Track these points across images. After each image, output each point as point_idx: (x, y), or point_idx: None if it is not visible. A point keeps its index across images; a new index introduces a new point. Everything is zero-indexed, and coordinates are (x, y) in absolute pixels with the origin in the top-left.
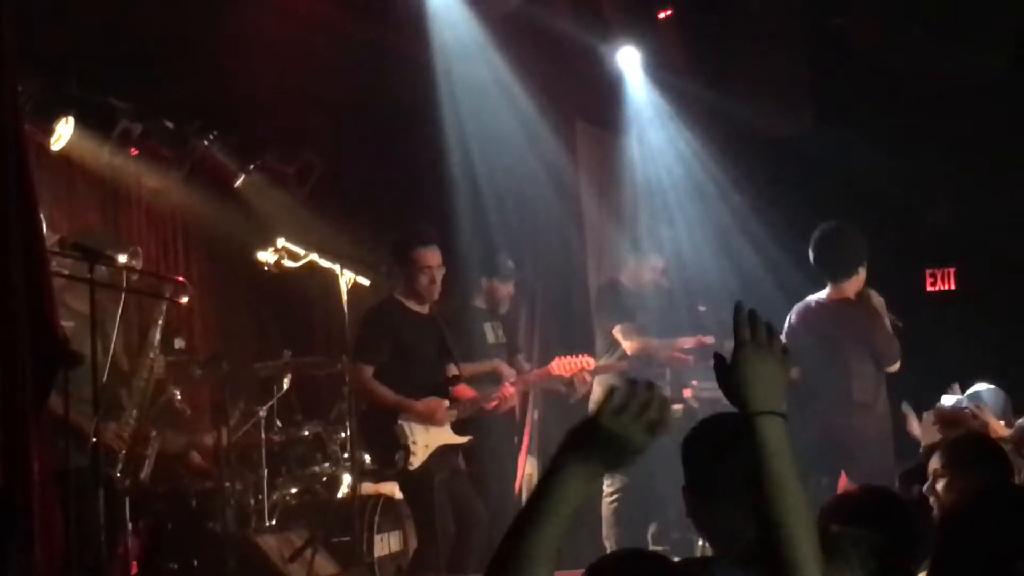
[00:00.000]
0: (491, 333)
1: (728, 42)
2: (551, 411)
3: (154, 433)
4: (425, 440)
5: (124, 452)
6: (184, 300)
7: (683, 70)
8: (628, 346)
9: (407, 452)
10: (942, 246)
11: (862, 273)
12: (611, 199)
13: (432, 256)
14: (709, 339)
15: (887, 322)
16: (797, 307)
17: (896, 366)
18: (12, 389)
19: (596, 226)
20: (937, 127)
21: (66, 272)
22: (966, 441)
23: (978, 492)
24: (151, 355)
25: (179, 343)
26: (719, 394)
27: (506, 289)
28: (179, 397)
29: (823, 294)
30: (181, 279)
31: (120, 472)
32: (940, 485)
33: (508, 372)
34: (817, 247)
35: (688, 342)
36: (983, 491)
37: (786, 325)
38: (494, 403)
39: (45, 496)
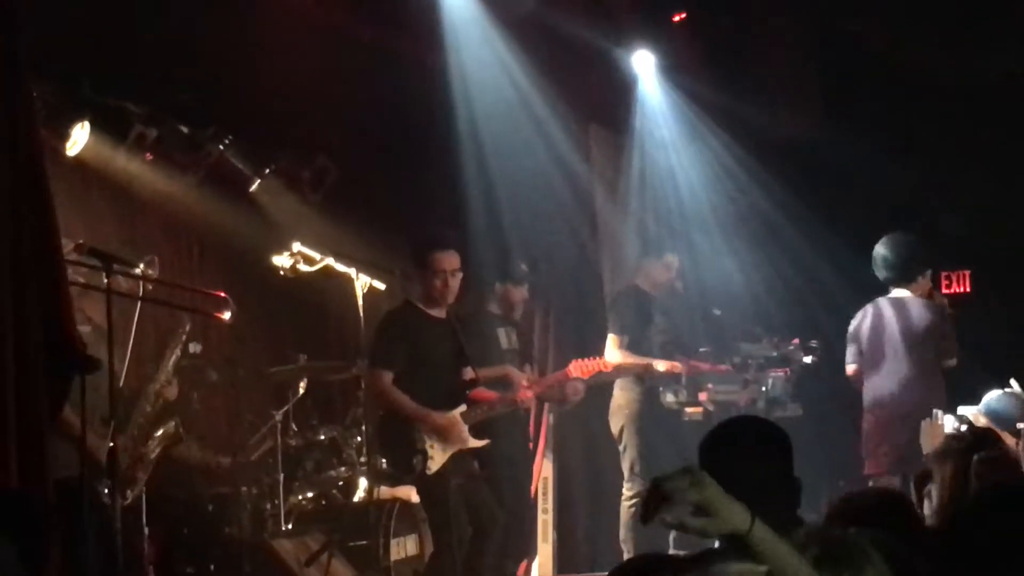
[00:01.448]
0: (505, 338)
1: (741, 45)
2: (567, 415)
3: (152, 456)
4: (443, 444)
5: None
6: (227, 316)
7: (697, 73)
8: (610, 359)
9: (425, 456)
10: (957, 249)
11: (924, 278)
12: (625, 202)
13: (448, 260)
14: (704, 365)
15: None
16: (868, 305)
17: (954, 361)
18: (28, 397)
19: (610, 229)
20: (950, 129)
21: (82, 280)
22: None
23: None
24: (163, 378)
25: (194, 347)
26: (735, 397)
27: (520, 294)
28: (181, 430)
29: (893, 294)
30: (223, 294)
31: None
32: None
33: (517, 377)
34: (881, 257)
35: (660, 366)
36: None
37: (857, 321)
38: (512, 406)
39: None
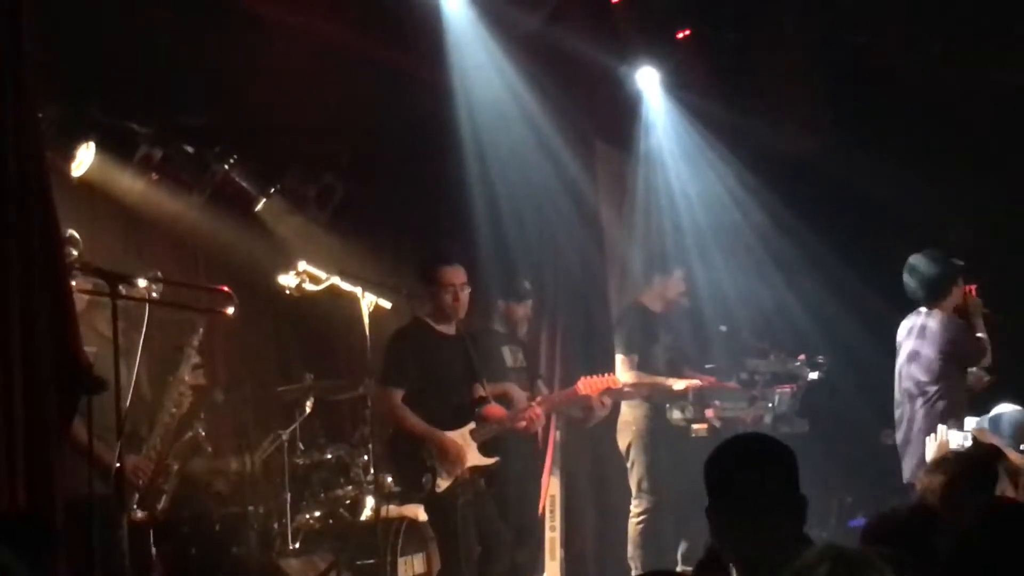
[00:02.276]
0: (510, 356)
1: (746, 61)
2: (574, 432)
3: (175, 467)
4: (451, 464)
5: (142, 483)
6: (230, 310)
7: (702, 89)
8: (623, 379)
9: (433, 474)
10: (964, 261)
11: (955, 293)
12: (631, 219)
13: (456, 274)
14: (709, 380)
15: (973, 329)
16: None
17: (979, 365)
18: (35, 416)
19: (616, 246)
20: (957, 143)
21: (86, 297)
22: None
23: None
24: (179, 389)
25: (195, 358)
26: (741, 414)
27: (523, 310)
28: (204, 434)
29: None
30: (225, 288)
31: (136, 504)
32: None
33: (519, 395)
34: (904, 283)
35: (680, 385)
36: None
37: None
38: (522, 423)
39: (69, 523)
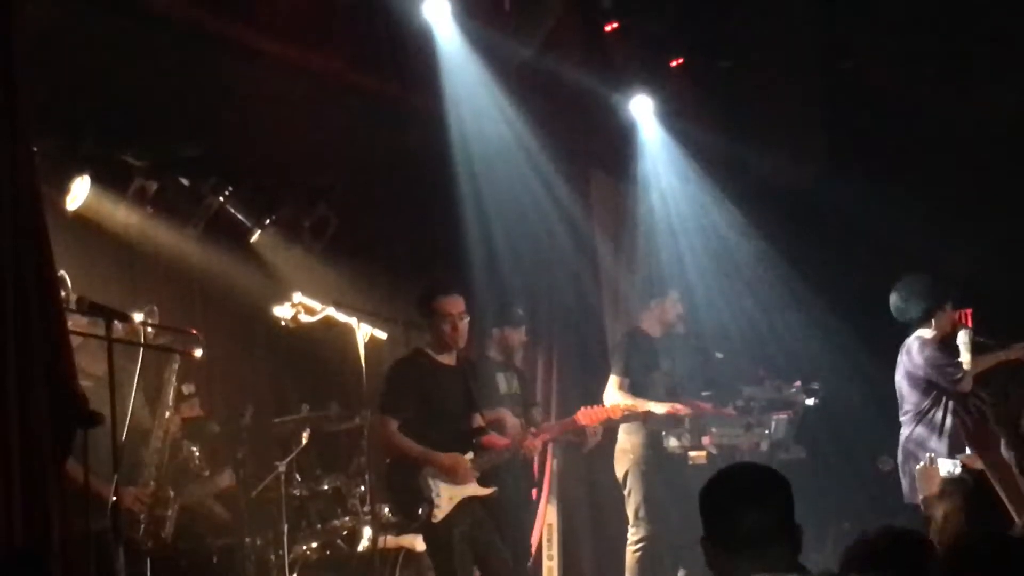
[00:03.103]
0: (504, 383)
1: (740, 89)
2: (571, 460)
3: (172, 493)
4: (449, 492)
5: (144, 514)
6: (198, 353)
7: (696, 117)
8: (608, 399)
9: (431, 504)
10: (959, 288)
11: (938, 318)
12: (626, 246)
13: (454, 304)
14: (706, 406)
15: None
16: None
17: (960, 388)
18: (32, 451)
19: (612, 273)
20: (951, 169)
21: (82, 332)
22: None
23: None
24: (166, 414)
25: (188, 388)
26: (738, 441)
27: (518, 336)
28: (198, 455)
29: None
30: (193, 331)
31: (142, 533)
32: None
33: (512, 422)
34: (891, 300)
35: (660, 409)
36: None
37: None
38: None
39: (66, 558)
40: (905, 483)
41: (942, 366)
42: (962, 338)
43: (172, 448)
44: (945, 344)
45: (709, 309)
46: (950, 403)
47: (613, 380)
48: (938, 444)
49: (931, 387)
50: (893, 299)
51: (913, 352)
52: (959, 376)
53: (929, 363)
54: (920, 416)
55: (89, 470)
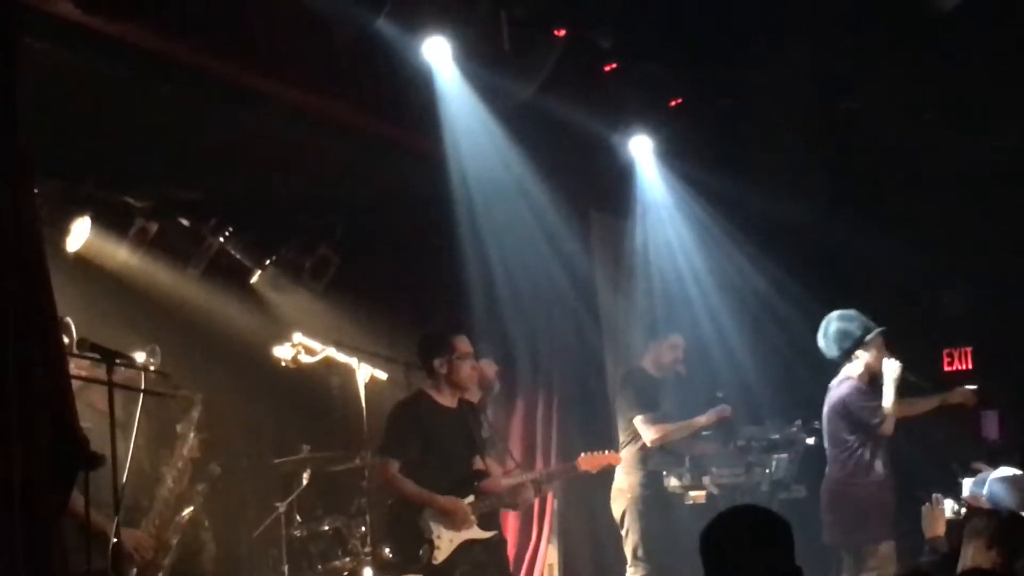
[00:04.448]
0: (486, 427)
1: (740, 128)
2: (571, 499)
3: (174, 542)
4: (450, 535)
5: (143, 560)
6: (195, 414)
7: (695, 157)
8: (650, 437)
9: (432, 546)
10: (959, 326)
11: (862, 356)
12: (627, 287)
13: (468, 344)
14: (727, 411)
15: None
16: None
17: (882, 431)
18: (33, 492)
19: (612, 314)
20: (950, 209)
21: (84, 373)
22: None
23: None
24: (178, 465)
25: (181, 428)
26: (739, 481)
27: (491, 369)
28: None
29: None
30: (187, 395)
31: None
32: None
33: (495, 469)
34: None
35: (703, 420)
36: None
37: None
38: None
39: None
40: (826, 523)
41: (861, 407)
42: (888, 371)
43: (179, 499)
44: (874, 380)
45: (709, 348)
46: (875, 443)
47: (640, 420)
48: (866, 482)
49: (855, 426)
50: (818, 337)
51: (835, 391)
52: (877, 421)
53: (849, 403)
54: (841, 455)
55: (91, 505)
